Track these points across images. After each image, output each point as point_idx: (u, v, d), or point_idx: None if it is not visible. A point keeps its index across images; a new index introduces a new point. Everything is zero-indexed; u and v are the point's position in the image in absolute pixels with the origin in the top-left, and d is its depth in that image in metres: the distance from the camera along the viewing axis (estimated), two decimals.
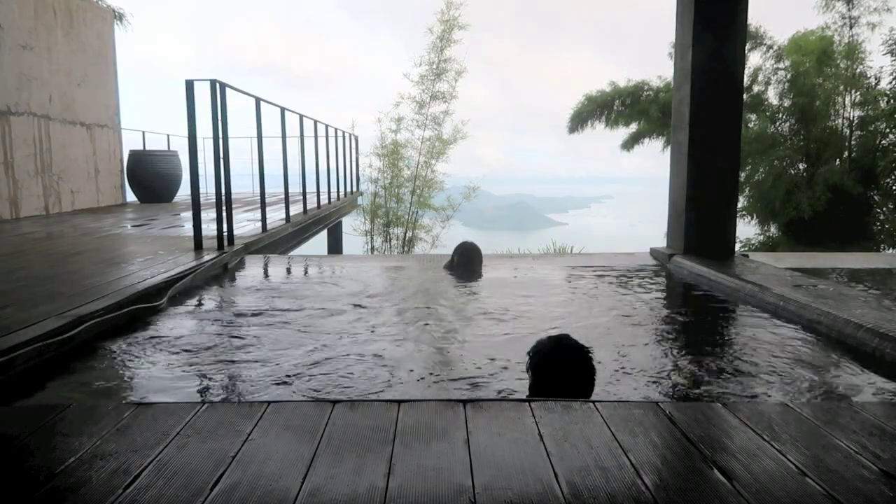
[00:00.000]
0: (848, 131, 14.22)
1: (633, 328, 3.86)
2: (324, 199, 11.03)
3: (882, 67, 13.61)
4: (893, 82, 13.32)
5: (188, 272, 4.81)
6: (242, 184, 8.80)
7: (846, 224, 13.41)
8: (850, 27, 13.91)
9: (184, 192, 12.21)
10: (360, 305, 4.42)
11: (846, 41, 14.00)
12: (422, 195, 16.93)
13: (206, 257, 5.44)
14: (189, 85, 5.54)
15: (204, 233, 5.93)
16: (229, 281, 5.36)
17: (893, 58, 13.16)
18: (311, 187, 9.84)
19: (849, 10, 13.79)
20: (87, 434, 1.80)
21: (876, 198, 14.01)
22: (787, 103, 14.49)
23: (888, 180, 13.74)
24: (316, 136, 10.32)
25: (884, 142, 13.72)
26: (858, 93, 13.94)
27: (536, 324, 3.83)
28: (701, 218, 5.90)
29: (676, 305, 4.70)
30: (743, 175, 13.73)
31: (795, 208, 13.30)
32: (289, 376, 2.93)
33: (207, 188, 7.63)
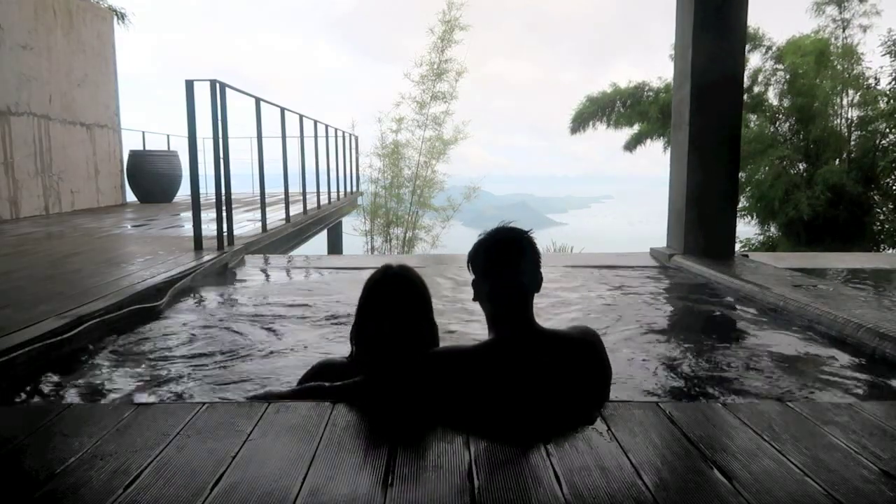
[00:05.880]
0: (847, 131, 14.24)
1: (632, 328, 3.86)
2: (324, 200, 11.03)
3: (882, 67, 13.67)
4: (893, 83, 13.34)
5: (188, 272, 4.81)
6: (242, 184, 8.80)
7: (846, 224, 13.40)
8: (843, 30, 14.01)
9: (184, 192, 12.20)
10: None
11: (840, 43, 14.09)
12: (422, 195, 16.94)
13: (206, 257, 5.44)
14: (189, 85, 5.54)
15: (204, 233, 5.93)
16: (229, 281, 5.36)
17: (893, 58, 13.20)
18: (310, 187, 9.84)
19: (840, 13, 13.89)
20: (87, 434, 1.80)
21: (876, 198, 14.01)
22: (786, 103, 14.52)
23: (888, 180, 13.75)
24: (316, 137, 10.32)
25: (883, 142, 13.74)
26: (858, 93, 13.98)
27: None
28: (701, 218, 5.90)
29: (675, 306, 4.69)
30: (743, 175, 13.74)
31: (795, 208, 13.30)
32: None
33: (207, 188, 7.62)
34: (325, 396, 1.96)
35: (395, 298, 1.96)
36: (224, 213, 5.97)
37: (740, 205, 13.57)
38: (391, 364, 1.91)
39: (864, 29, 13.80)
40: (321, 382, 2.01)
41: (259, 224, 7.38)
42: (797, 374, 2.96)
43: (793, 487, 1.51)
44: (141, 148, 12.75)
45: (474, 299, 1.94)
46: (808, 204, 13.13)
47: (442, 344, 2.07)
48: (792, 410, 2.00)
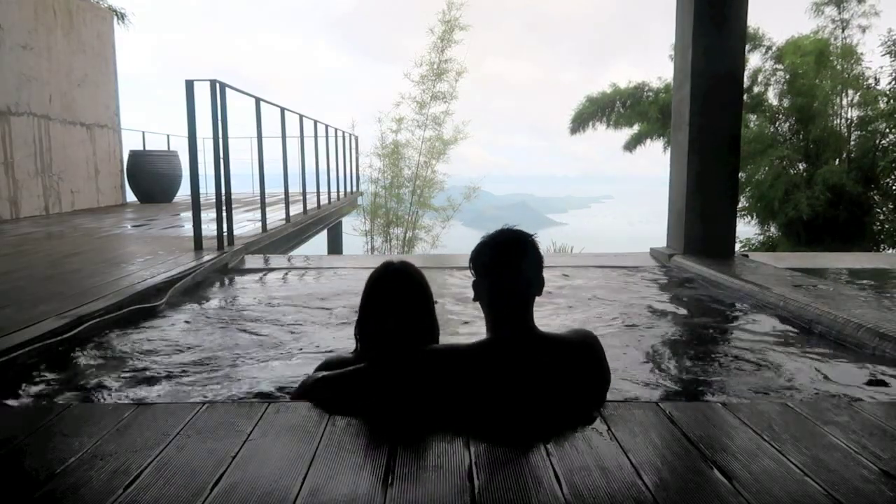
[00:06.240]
0: (847, 131, 14.25)
1: (632, 328, 3.86)
2: (324, 200, 11.03)
3: (881, 67, 13.69)
4: (893, 83, 13.34)
5: (188, 272, 4.81)
6: (242, 184, 8.80)
7: (846, 224, 13.41)
8: (843, 30, 14.04)
9: (184, 192, 12.21)
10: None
11: (840, 44, 14.13)
12: (422, 195, 16.94)
13: (206, 257, 5.44)
14: (189, 85, 5.54)
15: (204, 233, 5.93)
16: (229, 281, 5.36)
17: (893, 58, 13.20)
18: (310, 187, 9.84)
19: (839, 13, 13.92)
20: (87, 434, 1.80)
21: (876, 198, 14.02)
22: (786, 103, 14.53)
23: (888, 180, 13.75)
24: (316, 136, 10.32)
25: (883, 142, 13.74)
26: (858, 93, 14.00)
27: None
28: (701, 218, 5.90)
29: (676, 306, 4.69)
30: (743, 175, 13.76)
31: (795, 208, 13.31)
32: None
33: (207, 188, 7.62)
34: (329, 385, 1.96)
35: (396, 294, 1.99)
36: (224, 213, 5.97)
37: (740, 205, 13.58)
38: (393, 357, 1.93)
39: (864, 29, 13.90)
40: (325, 372, 2.02)
41: (259, 224, 7.38)
42: (797, 374, 2.96)
43: (793, 487, 1.51)
44: (141, 148, 12.75)
45: (475, 300, 1.95)
46: (807, 204, 13.14)
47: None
48: (792, 410, 2.00)
